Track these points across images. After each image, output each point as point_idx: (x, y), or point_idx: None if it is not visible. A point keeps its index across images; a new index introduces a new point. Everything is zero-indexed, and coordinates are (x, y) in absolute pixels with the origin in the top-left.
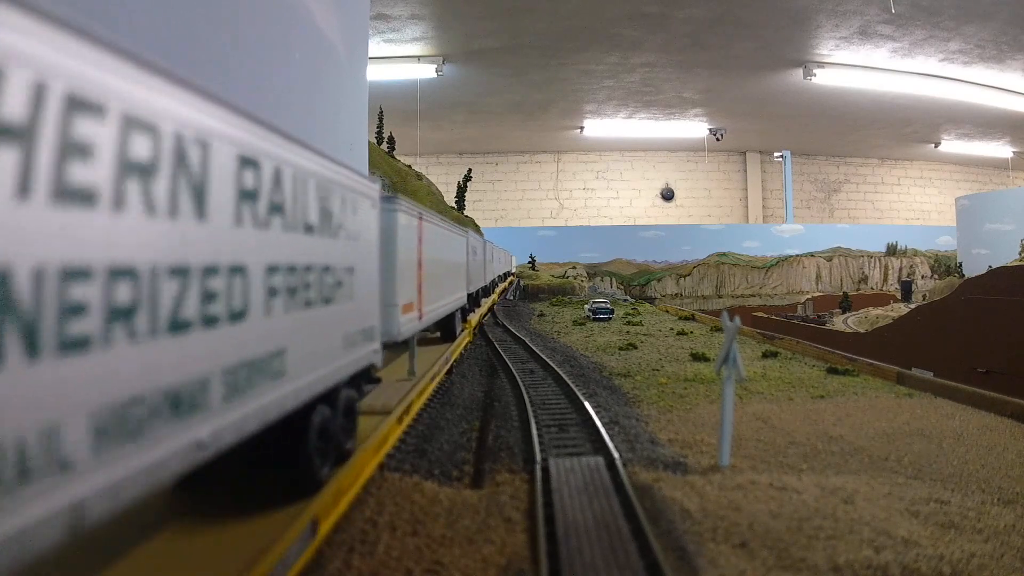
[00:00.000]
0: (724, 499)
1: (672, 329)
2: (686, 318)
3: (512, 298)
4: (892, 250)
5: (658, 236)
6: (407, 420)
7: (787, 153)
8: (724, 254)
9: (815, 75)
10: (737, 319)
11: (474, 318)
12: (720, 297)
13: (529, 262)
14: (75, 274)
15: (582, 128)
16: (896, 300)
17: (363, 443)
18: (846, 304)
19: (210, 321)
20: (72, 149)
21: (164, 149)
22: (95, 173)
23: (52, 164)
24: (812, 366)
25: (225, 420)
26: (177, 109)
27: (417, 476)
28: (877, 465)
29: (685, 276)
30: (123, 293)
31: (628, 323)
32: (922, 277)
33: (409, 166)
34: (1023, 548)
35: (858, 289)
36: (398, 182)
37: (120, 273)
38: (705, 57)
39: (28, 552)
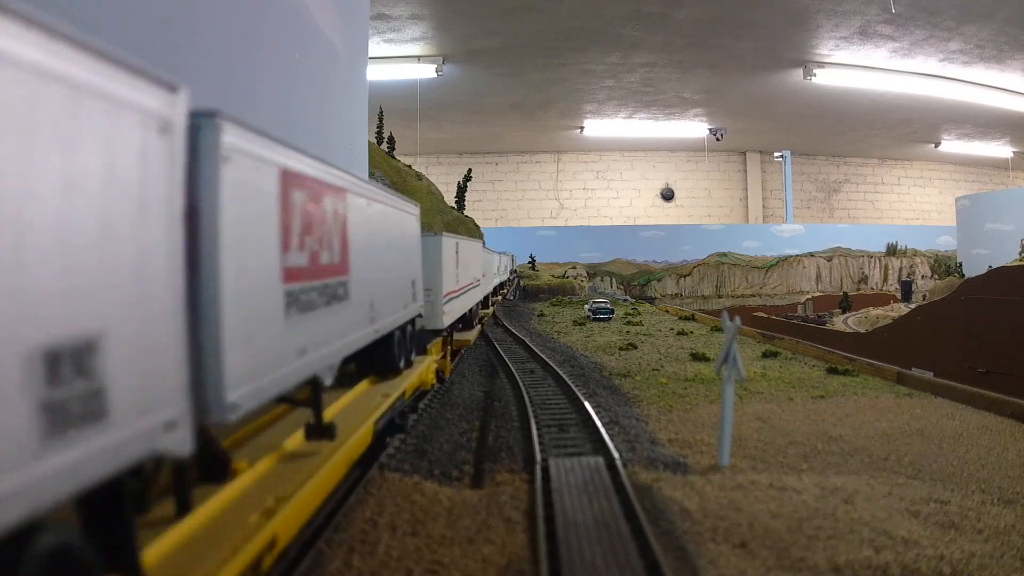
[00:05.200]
0: (724, 499)
1: (672, 329)
2: (686, 318)
3: (512, 298)
4: (892, 250)
5: (658, 236)
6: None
7: (787, 153)
8: (724, 254)
9: (815, 75)
10: (737, 319)
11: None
12: (720, 297)
13: (529, 262)
14: None
15: (582, 128)
16: (896, 300)
17: None
18: (846, 304)
19: None
20: None
21: None
22: None
23: None
24: (812, 366)
25: None
26: None
27: (417, 476)
28: (877, 465)
29: (685, 276)
30: None
31: (628, 323)
32: (922, 277)
33: (409, 166)
34: (1023, 548)
35: (858, 289)
36: (398, 182)
37: None
38: (705, 57)
39: None
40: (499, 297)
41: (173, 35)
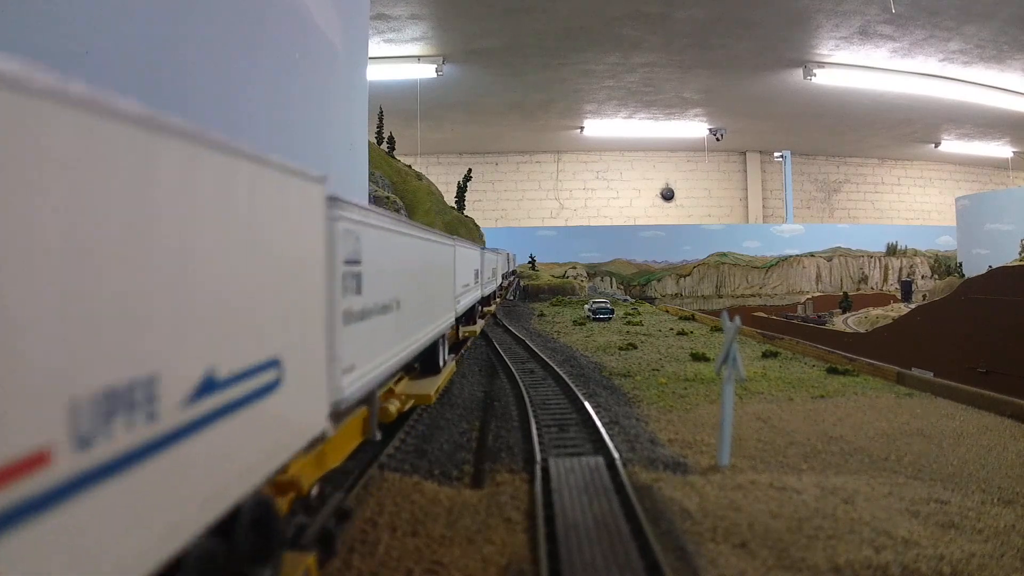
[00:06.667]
0: (724, 499)
1: (672, 329)
2: (686, 318)
3: (512, 298)
4: (892, 250)
5: (658, 236)
6: None
7: (787, 153)
8: (724, 254)
9: (815, 75)
10: (737, 319)
11: None
12: (720, 297)
13: (529, 262)
14: None
15: (582, 128)
16: (896, 300)
17: None
18: (846, 304)
19: None
20: None
21: None
22: None
23: None
24: (812, 366)
25: None
26: None
27: (417, 476)
28: (877, 465)
29: (685, 276)
30: None
31: (628, 323)
32: (922, 277)
33: (409, 166)
34: (1023, 548)
35: (858, 289)
36: (398, 182)
37: None
38: (705, 57)
39: None
40: (492, 307)
41: (174, 34)
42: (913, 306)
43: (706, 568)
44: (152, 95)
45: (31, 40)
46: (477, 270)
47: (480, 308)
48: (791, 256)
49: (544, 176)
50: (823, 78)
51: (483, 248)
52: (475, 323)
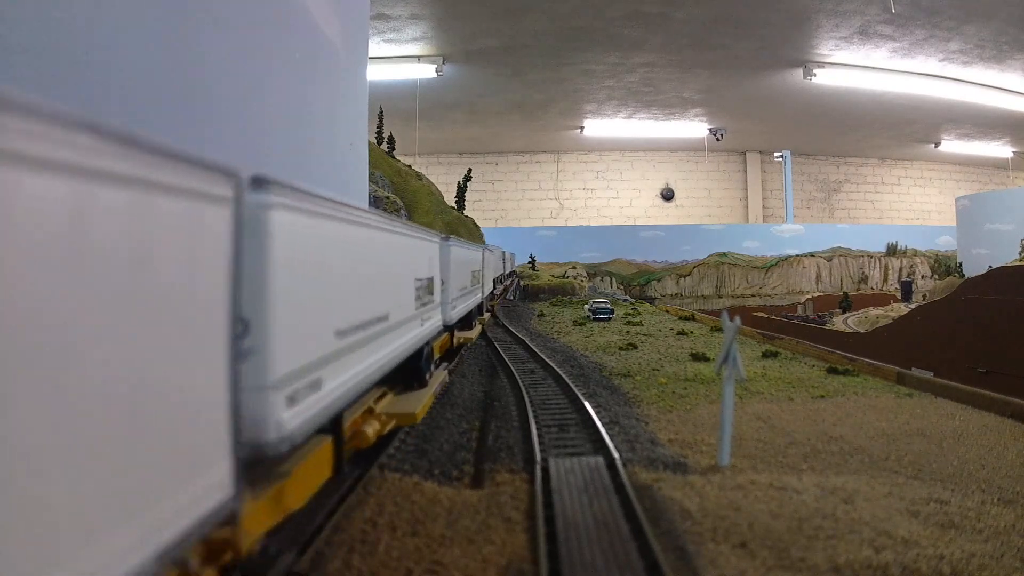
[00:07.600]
0: (724, 499)
1: (672, 329)
2: (686, 318)
3: (512, 298)
4: (892, 250)
5: (658, 236)
6: None
7: (787, 153)
8: (724, 254)
9: (815, 75)
10: (737, 319)
11: None
12: (720, 297)
13: (529, 262)
14: None
15: (582, 128)
16: (896, 300)
17: None
18: (846, 304)
19: None
20: None
21: None
22: None
23: None
24: (812, 366)
25: None
26: None
27: (417, 476)
28: (877, 465)
29: (685, 276)
30: None
31: (628, 323)
32: (922, 277)
33: (409, 166)
34: (1023, 548)
35: (858, 289)
36: (398, 182)
37: None
38: (705, 57)
39: None
40: (472, 333)
41: (170, 37)
42: (913, 306)
43: (706, 568)
44: (178, 102)
45: (45, 50)
46: (425, 284)
47: (451, 342)
48: (791, 256)
49: (544, 176)
50: (823, 78)
51: (445, 238)
52: (425, 382)
